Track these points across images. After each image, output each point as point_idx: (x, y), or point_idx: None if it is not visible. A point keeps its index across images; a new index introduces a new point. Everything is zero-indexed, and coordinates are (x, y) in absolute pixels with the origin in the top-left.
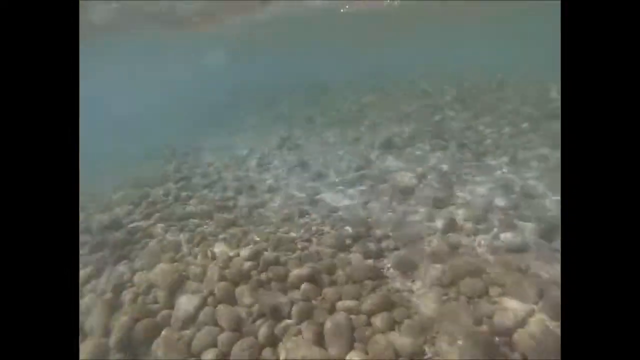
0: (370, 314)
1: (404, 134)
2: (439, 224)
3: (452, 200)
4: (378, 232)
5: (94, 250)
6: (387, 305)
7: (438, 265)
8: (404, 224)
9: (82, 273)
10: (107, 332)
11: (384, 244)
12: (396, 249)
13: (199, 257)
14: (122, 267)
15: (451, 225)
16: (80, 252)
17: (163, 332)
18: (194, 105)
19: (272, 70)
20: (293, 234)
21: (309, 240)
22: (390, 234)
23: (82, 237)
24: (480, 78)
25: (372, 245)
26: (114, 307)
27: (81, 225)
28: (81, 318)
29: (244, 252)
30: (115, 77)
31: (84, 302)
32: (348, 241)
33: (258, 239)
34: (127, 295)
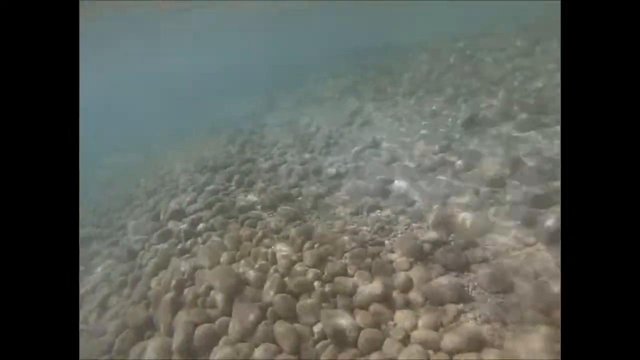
0: (453, 352)
1: (493, 108)
2: (539, 231)
3: (557, 197)
4: (461, 238)
5: (161, 240)
6: (474, 343)
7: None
8: (495, 227)
9: (151, 263)
10: (170, 332)
11: (469, 254)
12: (484, 260)
13: (259, 259)
14: (184, 263)
15: (555, 234)
16: (150, 240)
17: (221, 342)
18: (260, 74)
19: (332, 37)
20: (363, 234)
21: (380, 244)
22: (478, 240)
23: (153, 224)
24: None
25: (454, 256)
26: (176, 304)
27: (151, 212)
28: (150, 311)
29: (308, 257)
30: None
31: (152, 293)
32: (426, 247)
33: (323, 240)
34: (188, 295)
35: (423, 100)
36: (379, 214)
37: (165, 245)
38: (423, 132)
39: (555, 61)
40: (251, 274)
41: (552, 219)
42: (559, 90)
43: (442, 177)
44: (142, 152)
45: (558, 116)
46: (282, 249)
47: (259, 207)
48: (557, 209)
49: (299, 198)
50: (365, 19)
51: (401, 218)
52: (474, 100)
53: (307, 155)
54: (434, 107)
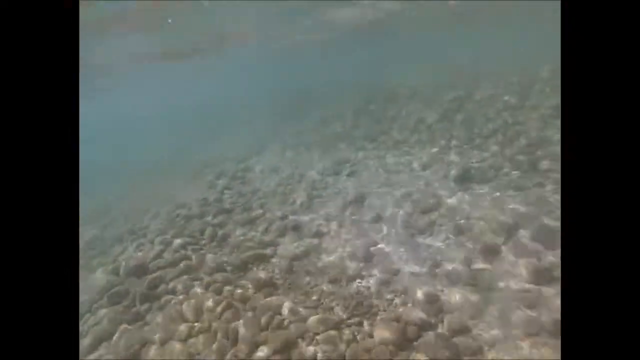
0: None
1: (486, 161)
2: (536, 318)
3: (557, 272)
4: (453, 320)
5: (113, 301)
6: None
7: None
8: (489, 309)
9: (92, 332)
10: None
11: (461, 343)
12: (479, 351)
13: (218, 335)
14: (136, 331)
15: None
16: (100, 301)
17: None
18: (251, 115)
19: (331, 73)
20: (338, 312)
21: (358, 325)
22: (470, 324)
23: (108, 279)
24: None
25: (443, 344)
26: None
27: (110, 265)
28: None
29: (272, 339)
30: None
31: None
32: (411, 331)
33: (293, 319)
34: None
35: (414, 151)
36: (359, 285)
37: (116, 309)
38: (412, 188)
39: (541, 118)
40: (208, 355)
41: (553, 302)
42: (549, 148)
43: (431, 242)
44: (118, 188)
45: (551, 174)
46: (243, 329)
47: (228, 268)
48: (558, 287)
49: (273, 259)
50: (365, 56)
51: (384, 291)
52: (466, 154)
53: (288, 208)
54: (424, 159)
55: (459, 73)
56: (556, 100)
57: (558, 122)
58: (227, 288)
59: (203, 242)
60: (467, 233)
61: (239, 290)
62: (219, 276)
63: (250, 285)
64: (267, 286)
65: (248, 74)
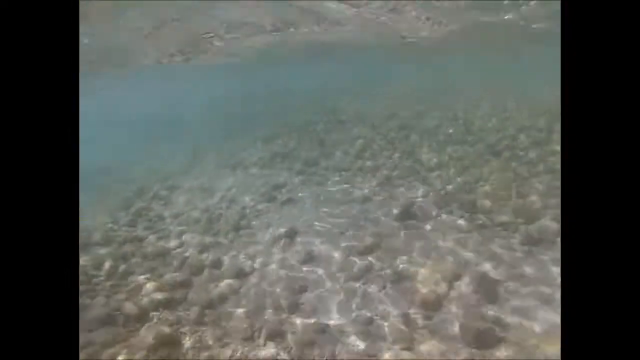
0: None
1: (430, 198)
2: None
3: (504, 332)
4: None
5: None
6: None
7: None
8: None
9: None
10: None
11: None
12: None
13: None
14: None
15: None
16: None
17: None
18: (186, 129)
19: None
20: None
21: None
22: None
23: None
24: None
25: None
26: None
27: None
28: None
29: None
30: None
31: None
32: None
33: None
34: None
35: (355, 181)
36: (278, 347)
37: None
38: (350, 222)
39: (491, 154)
40: None
41: None
42: (494, 187)
43: (367, 289)
44: None
45: (495, 216)
46: None
47: (120, 317)
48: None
49: (180, 308)
50: (317, 73)
51: (307, 354)
52: (409, 187)
53: (209, 239)
54: (365, 191)
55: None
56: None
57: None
58: (109, 351)
59: (99, 279)
60: (405, 282)
61: (130, 354)
62: (104, 332)
63: (144, 347)
64: (167, 344)
65: (185, 87)
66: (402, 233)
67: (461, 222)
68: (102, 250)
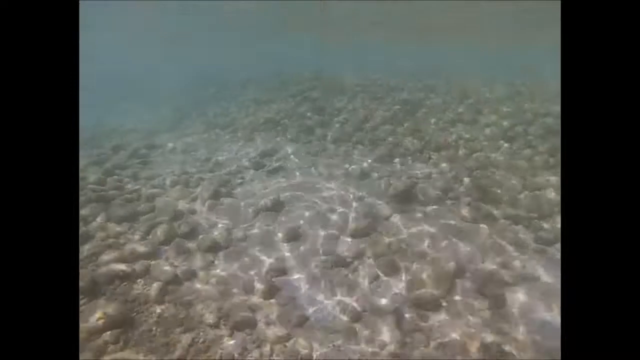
0: None
1: (433, 181)
2: None
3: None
4: None
5: None
6: None
7: None
8: None
9: None
10: None
11: None
12: None
13: None
14: None
15: None
16: None
17: None
18: (176, 86)
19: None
20: None
21: None
22: None
23: None
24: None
25: None
26: None
27: None
28: None
29: None
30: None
31: None
32: None
33: None
34: None
35: (353, 153)
36: (247, 336)
37: None
38: (344, 197)
39: (499, 137)
40: None
41: None
42: (502, 173)
43: (355, 279)
44: None
45: (507, 208)
46: None
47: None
48: None
49: (140, 281)
50: (324, 44)
51: (276, 349)
52: (411, 166)
53: (184, 206)
54: (364, 165)
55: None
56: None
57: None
58: None
59: None
60: (398, 275)
61: None
62: None
63: (92, 322)
64: (115, 328)
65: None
66: (399, 217)
67: (470, 212)
68: None
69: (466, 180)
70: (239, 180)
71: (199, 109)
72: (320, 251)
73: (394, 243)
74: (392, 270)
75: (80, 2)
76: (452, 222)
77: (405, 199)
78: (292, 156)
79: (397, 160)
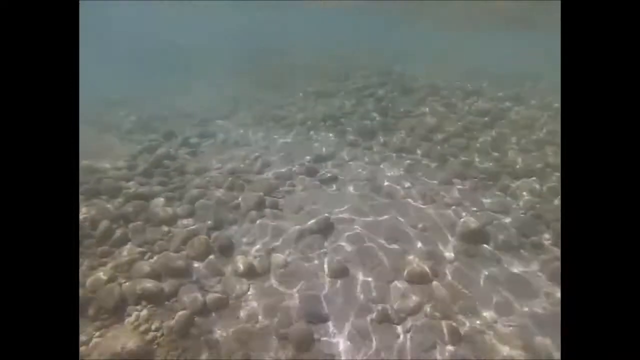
0: None
1: (510, 225)
2: None
3: None
4: None
5: None
6: None
7: None
8: None
9: None
10: None
11: None
12: None
13: None
14: None
15: None
16: None
17: None
18: (232, 69)
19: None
20: None
21: None
22: None
23: None
24: None
25: None
26: None
27: None
28: None
29: None
30: None
31: None
32: None
33: None
34: None
35: (417, 169)
36: None
37: None
38: (402, 226)
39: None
40: None
41: None
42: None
43: (404, 342)
44: None
45: None
46: None
47: (93, 304)
48: None
49: (167, 303)
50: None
51: None
52: (484, 194)
53: (226, 214)
54: (429, 185)
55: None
56: None
57: None
58: None
59: (86, 242)
60: (470, 344)
61: None
62: None
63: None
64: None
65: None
66: (463, 265)
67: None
68: (100, 209)
69: (553, 223)
70: (288, 188)
71: (257, 94)
72: (369, 297)
73: (458, 298)
74: (454, 336)
75: (80, 2)
76: (529, 282)
77: (475, 240)
78: (349, 163)
79: (467, 184)
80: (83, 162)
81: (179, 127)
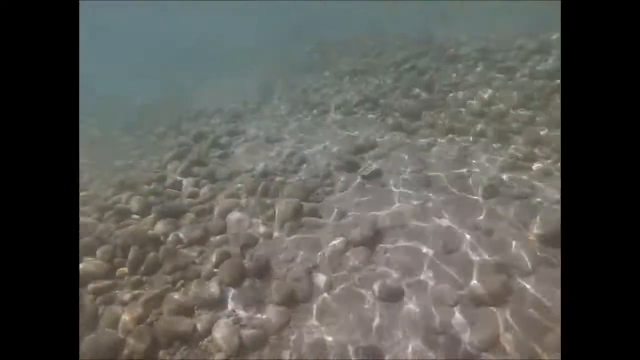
0: None
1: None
2: None
3: None
4: None
5: None
6: None
7: None
8: None
9: None
10: None
11: None
12: None
13: None
14: None
15: None
16: None
17: None
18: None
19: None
20: None
21: None
22: None
23: None
24: None
25: None
26: None
27: None
28: None
29: None
30: None
31: None
32: None
33: None
34: None
35: (474, 152)
36: None
37: None
38: (459, 231)
39: None
40: None
41: None
42: None
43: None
44: None
45: None
46: None
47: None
48: None
49: (202, 344)
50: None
51: None
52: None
53: (260, 229)
54: (491, 173)
55: None
56: None
57: None
58: None
59: (123, 282)
60: None
61: None
62: None
63: None
64: None
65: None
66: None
67: None
68: (129, 233)
69: None
70: (328, 188)
71: (288, 81)
72: (431, 324)
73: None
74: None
75: (80, 2)
76: None
77: (553, 243)
78: (392, 153)
79: (538, 166)
80: (116, 178)
81: (209, 126)
